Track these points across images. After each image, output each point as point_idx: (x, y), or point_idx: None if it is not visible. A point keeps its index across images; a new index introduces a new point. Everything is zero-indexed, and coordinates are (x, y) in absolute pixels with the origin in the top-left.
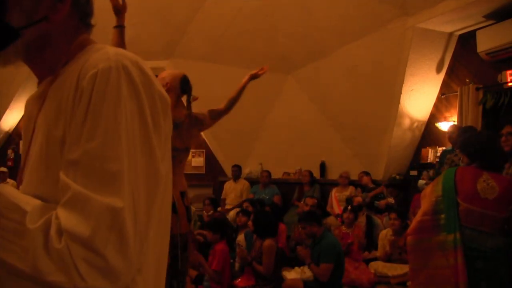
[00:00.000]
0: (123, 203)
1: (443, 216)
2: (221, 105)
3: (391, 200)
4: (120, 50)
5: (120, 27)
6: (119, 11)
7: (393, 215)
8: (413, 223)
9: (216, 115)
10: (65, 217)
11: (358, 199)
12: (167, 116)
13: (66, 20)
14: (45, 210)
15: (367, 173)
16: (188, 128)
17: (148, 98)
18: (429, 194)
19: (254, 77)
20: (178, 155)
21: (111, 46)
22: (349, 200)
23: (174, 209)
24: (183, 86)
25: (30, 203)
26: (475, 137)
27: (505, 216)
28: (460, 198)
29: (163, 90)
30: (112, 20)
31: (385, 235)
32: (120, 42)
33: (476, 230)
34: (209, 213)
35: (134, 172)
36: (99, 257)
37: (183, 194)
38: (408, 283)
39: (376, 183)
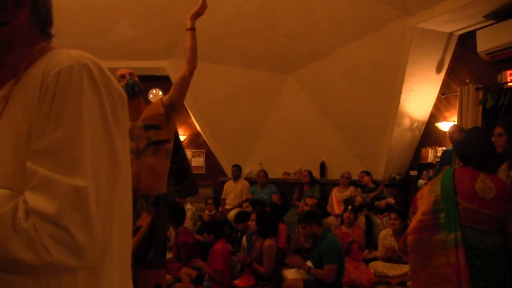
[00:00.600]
0: (86, 183)
1: (442, 215)
2: (182, 69)
3: (391, 200)
4: (81, 52)
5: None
6: (200, 14)
7: (393, 215)
8: (413, 222)
9: (181, 83)
10: (32, 198)
11: (359, 199)
12: (125, 111)
13: (26, 27)
14: (12, 197)
15: (367, 173)
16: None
17: (107, 93)
18: (427, 194)
19: (198, 14)
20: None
21: (72, 50)
22: (346, 201)
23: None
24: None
25: None
26: (468, 140)
27: (502, 216)
28: (459, 198)
29: (120, 88)
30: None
31: (385, 235)
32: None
33: (475, 228)
34: (211, 213)
35: (96, 158)
36: (65, 232)
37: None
38: (408, 283)
39: (376, 183)
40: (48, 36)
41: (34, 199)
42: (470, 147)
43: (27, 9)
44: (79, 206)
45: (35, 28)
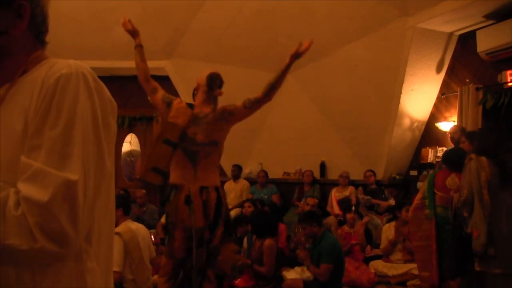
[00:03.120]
0: (77, 178)
1: (427, 200)
2: (258, 92)
3: (392, 202)
4: (79, 62)
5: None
6: (299, 56)
7: (404, 209)
8: (413, 205)
9: (252, 104)
10: (26, 188)
11: (353, 197)
12: (114, 117)
13: (24, 36)
14: (2, 189)
15: (374, 172)
16: (212, 121)
17: (100, 100)
18: (421, 187)
19: (297, 56)
20: (202, 149)
21: (70, 60)
22: (342, 203)
23: (188, 201)
24: (208, 82)
25: None
26: (446, 152)
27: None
28: (436, 189)
29: (111, 97)
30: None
31: (388, 227)
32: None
33: (445, 207)
34: None
35: (86, 157)
36: (54, 221)
37: (202, 189)
38: (408, 283)
39: (378, 183)
40: (43, 43)
41: (28, 189)
42: (446, 157)
43: (26, 20)
44: (69, 198)
45: (32, 37)
